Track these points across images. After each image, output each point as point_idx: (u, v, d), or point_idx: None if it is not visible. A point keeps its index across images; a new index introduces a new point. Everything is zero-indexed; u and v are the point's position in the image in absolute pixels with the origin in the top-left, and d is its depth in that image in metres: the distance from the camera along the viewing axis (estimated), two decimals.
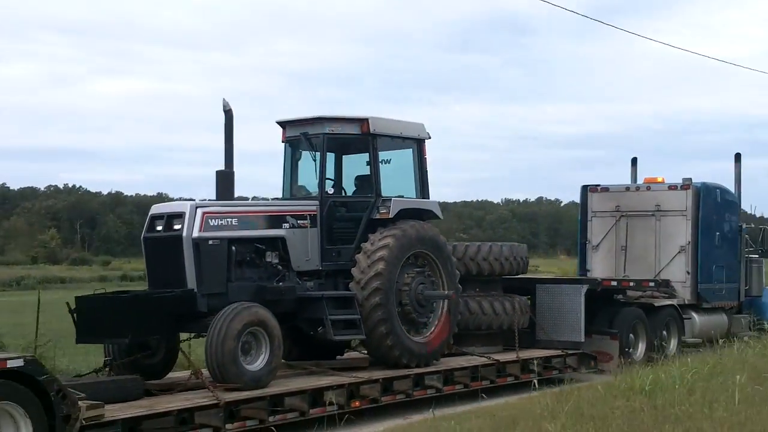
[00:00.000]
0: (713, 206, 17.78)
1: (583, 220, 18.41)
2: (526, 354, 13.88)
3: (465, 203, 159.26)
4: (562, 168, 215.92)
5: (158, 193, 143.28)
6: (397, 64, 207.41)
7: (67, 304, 10.53)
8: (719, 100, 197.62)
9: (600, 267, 17.88)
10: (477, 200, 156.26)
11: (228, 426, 9.58)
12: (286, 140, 12.98)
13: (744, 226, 19.09)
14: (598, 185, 18.25)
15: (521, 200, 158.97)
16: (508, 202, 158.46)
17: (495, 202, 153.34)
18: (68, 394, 8.41)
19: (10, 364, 8.03)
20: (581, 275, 17.80)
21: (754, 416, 8.33)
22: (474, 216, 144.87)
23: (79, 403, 8.43)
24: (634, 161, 19.76)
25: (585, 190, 18.32)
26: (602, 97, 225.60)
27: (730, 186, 18.97)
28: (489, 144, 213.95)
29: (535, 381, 11.24)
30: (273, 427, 9.83)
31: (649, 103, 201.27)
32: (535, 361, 13.53)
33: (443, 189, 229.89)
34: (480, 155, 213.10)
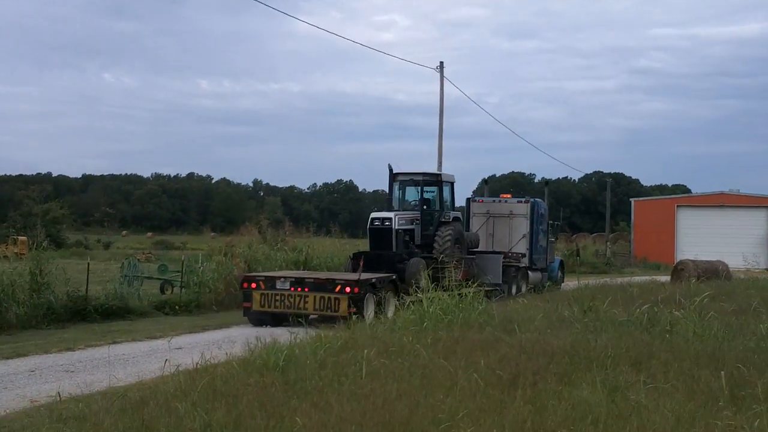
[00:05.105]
0: (537, 212, 30.06)
1: (467, 217, 29.59)
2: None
3: (113, 176, 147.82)
4: (215, 143, 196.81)
5: None
6: (38, 23, 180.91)
7: (353, 254, 23.82)
8: (363, 83, 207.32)
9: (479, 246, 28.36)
10: (126, 174, 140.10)
11: None
12: (398, 181, 25.25)
13: (550, 222, 32.02)
14: (476, 198, 31.80)
15: (172, 175, 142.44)
16: (158, 177, 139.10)
17: (145, 176, 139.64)
18: (401, 288, 20.65)
19: (393, 278, 20.64)
20: None
21: (378, 388, 8.71)
22: (122, 190, 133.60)
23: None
24: (486, 181, 38.80)
25: (468, 200, 31.00)
26: (254, 73, 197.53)
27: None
28: (138, 115, 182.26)
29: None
30: None
31: (298, 82, 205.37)
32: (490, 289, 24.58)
33: (86, 160, 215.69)
34: (129, 126, 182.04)
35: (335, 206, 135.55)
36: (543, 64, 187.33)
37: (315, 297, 19.06)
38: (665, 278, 31.59)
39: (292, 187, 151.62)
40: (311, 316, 19.42)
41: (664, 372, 9.63)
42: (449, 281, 20.63)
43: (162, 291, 25.64)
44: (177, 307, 22.45)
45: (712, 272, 31.71)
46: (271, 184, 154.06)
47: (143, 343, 16.42)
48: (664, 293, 19.33)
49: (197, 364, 10.64)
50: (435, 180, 25.31)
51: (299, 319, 16.24)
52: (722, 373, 9.11)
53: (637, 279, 29.24)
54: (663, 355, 10.66)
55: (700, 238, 58.11)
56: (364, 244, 28.94)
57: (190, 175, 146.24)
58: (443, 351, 10.91)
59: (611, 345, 11.12)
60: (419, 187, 24.99)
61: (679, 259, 42.39)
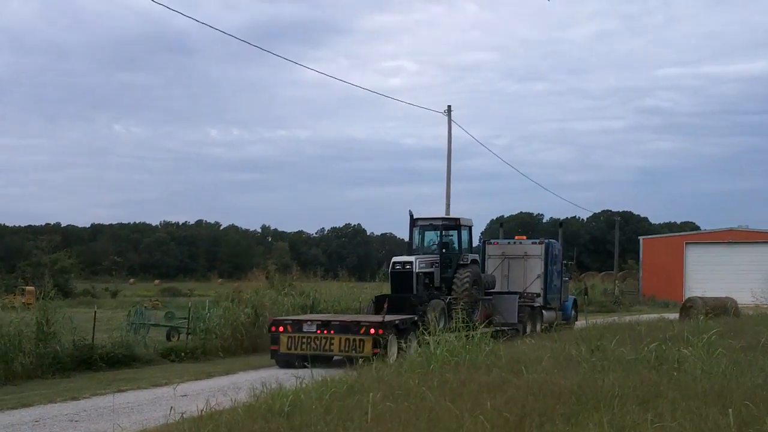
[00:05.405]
0: (552, 253, 30.62)
1: (482, 258, 29.69)
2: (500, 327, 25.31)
3: (122, 225, 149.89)
4: (224, 190, 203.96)
5: None
6: (49, 77, 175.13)
7: (375, 297, 24.23)
8: (372, 128, 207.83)
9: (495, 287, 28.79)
10: (134, 222, 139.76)
11: None
12: (418, 226, 26.34)
13: (564, 262, 32.62)
14: (491, 240, 31.90)
15: (180, 223, 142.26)
16: (166, 225, 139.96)
17: (153, 224, 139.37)
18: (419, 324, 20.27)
19: (415, 319, 21.23)
20: None
21: None
22: (131, 239, 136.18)
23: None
24: (501, 224, 36.64)
25: (484, 243, 31.33)
26: (263, 121, 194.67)
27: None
28: (148, 165, 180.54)
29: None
30: None
31: (307, 129, 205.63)
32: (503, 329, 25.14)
33: (96, 210, 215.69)
34: (138, 176, 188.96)
35: (343, 250, 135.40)
36: (552, 105, 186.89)
37: (340, 339, 19.87)
38: (674, 316, 31.39)
39: (300, 232, 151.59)
40: (335, 357, 20.55)
41: (671, 411, 9.53)
42: (456, 323, 20.72)
43: (168, 338, 25.55)
44: (183, 353, 22.37)
45: (721, 309, 31.51)
46: (279, 229, 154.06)
47: (148, 391, 16.33)
48: (672, 331, 19.20)
49: (202, 411, 10.56)
50: (454, 224, 26.47)
51: (305, 363, 16.15)
52: (730, 411, 9.02)
53: (645, 317, 29.09)
54: (670, 394, 10.56)
55: (708, 274, 57.85)
56: (372, 288, 29.47)
57: (199, 223, 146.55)
58: (450, 393, 10.80)
59: (618, 384, 11.02)
60: (438, 232, 26.12)
61: (688, 296, 42.15)
